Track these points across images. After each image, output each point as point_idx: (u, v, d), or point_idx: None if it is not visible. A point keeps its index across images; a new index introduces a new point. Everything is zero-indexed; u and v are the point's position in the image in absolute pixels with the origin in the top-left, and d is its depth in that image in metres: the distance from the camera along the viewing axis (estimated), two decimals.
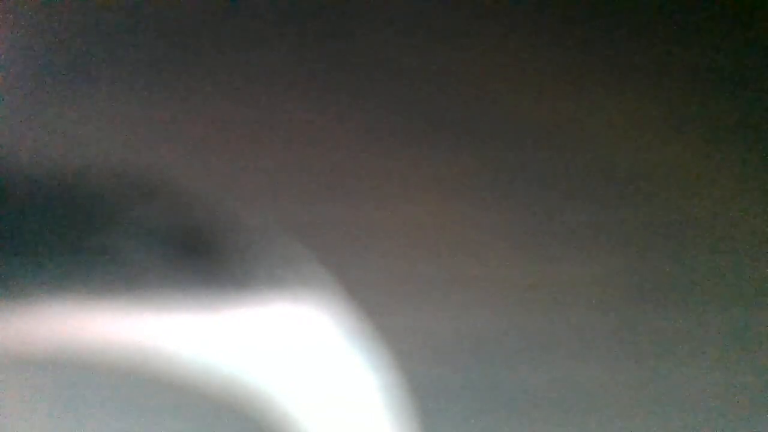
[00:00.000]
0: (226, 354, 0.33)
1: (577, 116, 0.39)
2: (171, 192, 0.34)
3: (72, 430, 0.35)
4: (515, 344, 0.38)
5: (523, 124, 0.39)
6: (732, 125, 0.40)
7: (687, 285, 0.39)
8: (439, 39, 0.39)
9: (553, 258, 0.39)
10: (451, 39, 0.39)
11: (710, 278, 0.39)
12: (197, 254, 0.33)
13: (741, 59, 0.40)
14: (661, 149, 0.40)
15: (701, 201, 0.39)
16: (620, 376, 0.38)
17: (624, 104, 0.40)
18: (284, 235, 0.36)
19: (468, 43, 0.39)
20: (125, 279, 0.32)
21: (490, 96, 0.39)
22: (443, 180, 0.39)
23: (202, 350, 0.33)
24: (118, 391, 0.34)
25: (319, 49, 0.39)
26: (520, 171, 0.39)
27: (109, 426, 0.35)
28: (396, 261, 0.38)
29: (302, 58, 0.39)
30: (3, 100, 0.37)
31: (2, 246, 0.32)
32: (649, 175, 0.39)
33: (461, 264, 0.39)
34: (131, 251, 0.32)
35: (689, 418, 0.38)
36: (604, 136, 0.39)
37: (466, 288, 0.39)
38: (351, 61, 0.39)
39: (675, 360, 0.39)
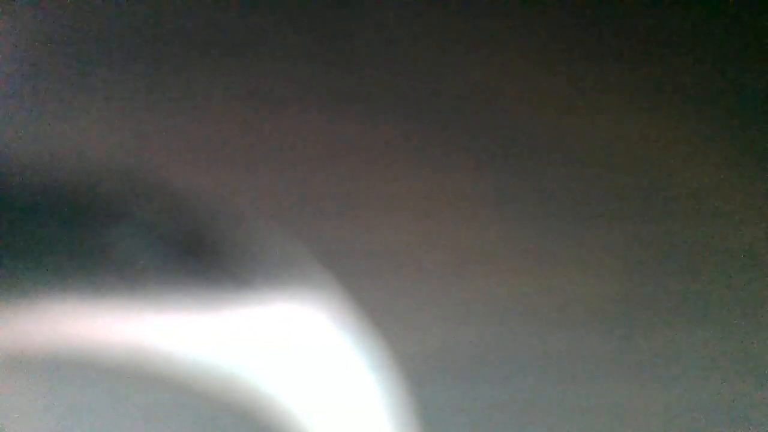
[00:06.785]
0: (226, 354, 0.33)
1: (582, 133, 0.39)
2: (171, 192, 0.35)
3: (72, 430, 0.35)
4: (516, 343, 0.38)
5: (531, 143, 0.39)
6: (745, 143, 0.40)
7: (688, 303, 0.39)
8: (454, 53, 0.40)
9: (555, 274, 0.39)
10: (466, 55, 0.39)
11: (711, 296, 0.39)
12: (197, 254, 0.33)
13: (746, 74, 0.40)
14: (667, 167, 0.40)
15: (702, 219, 0.39)
16: (622, 393, 0.38)
17: (631, 120, 0.40)
18: (284, 235, 0.36)
19: (482, 61, 0.39)
20: (125, 279, 0.32)
21: (497, 114, 0.39)
22: (445, 178, 0.39)
23: (202, 350, 0.33)
24: (118, 391, 0.34)
25: (321, 50, 0.39)
26: (526, 187, 0.39)
27: (108, 426, 0.35)
28: (396, 260, 0.38)
29: (302, 58, 0.39)
30: (3, 100, 0.37)
31: (2, 246, 0.32)
32: (652, 192, 0.39)
33: (462, 263, 0.39)
34: (131, 251, 0.32)
35: None
36: (611, 153, 0.40)
37: (467, 287, 0.39)
38: (352, 63, 0.39)
39: (676, 376, 0.39)
